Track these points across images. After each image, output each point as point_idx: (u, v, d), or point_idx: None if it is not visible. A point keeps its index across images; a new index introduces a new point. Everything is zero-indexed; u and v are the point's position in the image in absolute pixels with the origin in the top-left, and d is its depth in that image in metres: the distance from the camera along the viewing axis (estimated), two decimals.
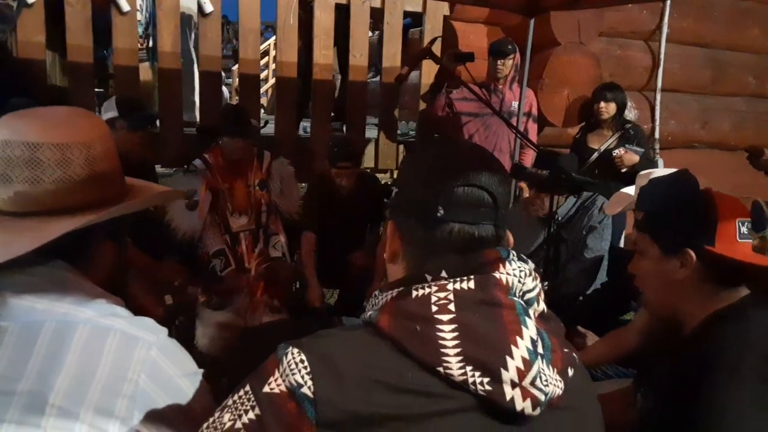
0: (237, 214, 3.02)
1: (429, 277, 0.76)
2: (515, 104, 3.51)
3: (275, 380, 0.70)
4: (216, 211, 2.99)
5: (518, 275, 0.77)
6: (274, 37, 6.02)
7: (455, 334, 0.70)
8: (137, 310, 0.92)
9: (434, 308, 0.72)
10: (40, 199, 0.89)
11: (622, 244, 3.40)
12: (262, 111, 5.68)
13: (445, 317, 0.71)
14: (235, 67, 6.70)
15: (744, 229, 1.14)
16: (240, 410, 0.70)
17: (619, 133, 3.56)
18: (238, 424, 0.69)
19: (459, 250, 0.78)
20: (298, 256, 3.22)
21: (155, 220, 2.82)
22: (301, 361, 0.70)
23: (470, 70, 2.86)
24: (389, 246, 0.85)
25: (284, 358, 0.71)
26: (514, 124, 3.34)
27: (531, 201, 2.63)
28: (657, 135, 4.21)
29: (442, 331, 0.71)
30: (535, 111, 3.73)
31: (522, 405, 0.70)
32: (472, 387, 0.69)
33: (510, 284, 0.76)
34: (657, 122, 4.17)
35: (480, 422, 0.70)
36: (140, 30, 4.03)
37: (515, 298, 0.76)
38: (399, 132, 4.52)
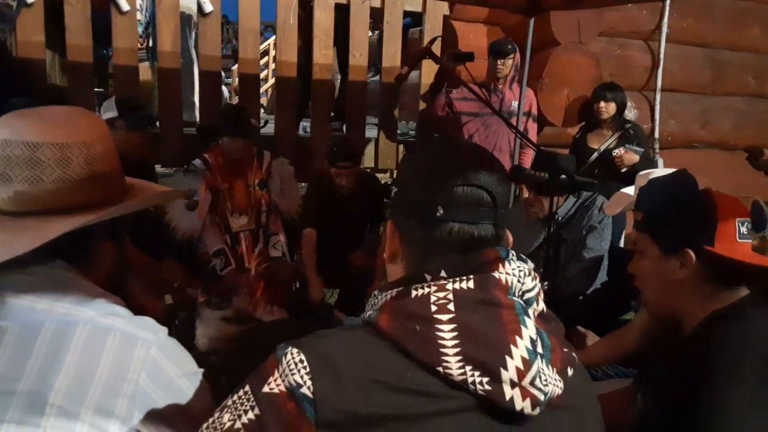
0: (237, 214, 3.02)
1: (428, 277, 0.76)
2: (515, 104, 3.51)
3: (275, 380, 0.70)
4: (216, 211, 2.99)
5: (517, 275, 0.77)
6: (273, 37, 6.03)
7: (455, 333, 0.70)
8: (137, 309, 0.92)
9: (434, 308, 0.72)
10: (40, 199, 0.89)
11: (622, 244, 3.40)
12: (262, 111, 5.68)
13: (444, 317, 0.71)
14: (235, 67, 6.69)
15: (744, 229, 1.14)
16: (239, 410, 0.70)
17: (619, 133, 3.56)
18: (238, 425, 0.69)
19: (458, 249, 0.78)
20: (298, 256, 3.22)
21: (155, 220, 2.82)
22: (301, 361, 0.70)
23: (470, 69, 2.86)
24: (389, 246, 0.85)
25: (284, 358, 0.71)
26: (514, 123, 3.33)
27: (530, 203, 2.63)
28: (657, 135, 4.22)
29: (442, 330, 0.71)
30: (535, 111, 3.73)
31: (521, 405, 0.70)
32: (472, 387, 0.69)
33: (509, 284, 0.76)
34: (657, 122, 4.17)
35: (479, 422, 0.70)
36: (140, 30, 4.03)
37: (515, 298, 0.76)
38: (399, 132, 4.52)
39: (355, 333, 0.75)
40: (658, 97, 4.16)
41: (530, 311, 0.77)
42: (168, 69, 3.75)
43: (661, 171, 2.09)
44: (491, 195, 0.79)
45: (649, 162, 3.56)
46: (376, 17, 4.41)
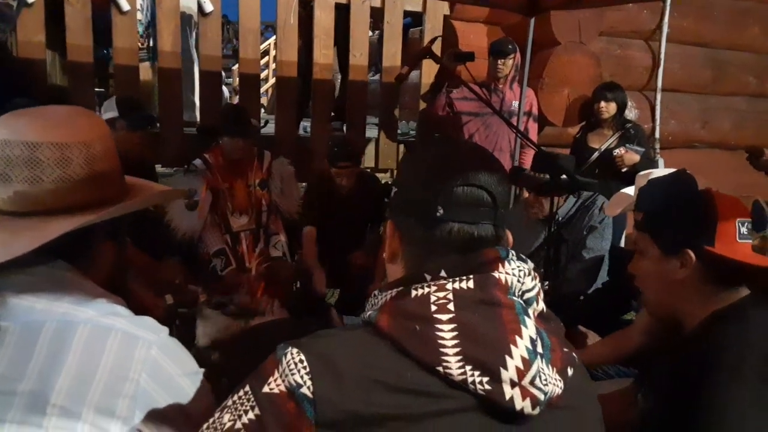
0: (237, 214, 3.03)
1: (428, 277, 0.76)
2: (515, 104, 3.51)
3: (275, 380, 0.70)
4: (216, 211, 2.99)
5: (517, 275, 0.77)
6: (274, 37, 6.01)
7: (454, 333, 0.70)
8: (138, 309, 0.92)
9: (433, 308, 0.72)
10: (40, 199, 0.89)
11: (623, 244, 3.40)
12: (263, 110, 5.68)
13: (444, 317, 0.71)
14: (236, 67, 6.69)
15: (744, 230, 1.14)
16: (240, 410, 0.70)
17: (620, 133, 3.56)
18: (238, 425, 0.69)
19: (458, 249, 0.78)
20: (299, 256, 3.22)
21: (155, 220, 2.82)
22: (301, 361, 0.70)
23: (470, 69, 2.86)
24: (388, 246, 0.85)
25: (283, 358, 0.71)
26: (515, 123, 3.34)
27: (530, 203, 2.63)
28: (657, 135, 4.20)
29: (442, 330, 0.71)
30: (535, 110, 3.73)
31: (521, 404, 0.70)
32: (472, 386, 0.69)
33: (509, 284, 0.76)
34: (657, 122, 4.16)
35: (479, 422, 0.70)
36: (140, 29, 4.04)
37: (514, 298, 0.76)
38: (399, 131, 4.52)
39: (355, 333, 0.75)
40: (658, 96, 4.15)
41: (530, 311, 0.77)
42: (168, 69, 3.75)
43: (661, 171, 2.09)
44: (491, 195, 0.79)
45: (649, 162, 3.55)
46: (377, 17, 4.41)
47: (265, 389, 0.70)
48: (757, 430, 0.99)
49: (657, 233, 1.21)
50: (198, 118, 4.21)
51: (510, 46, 3.46)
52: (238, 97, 5.53)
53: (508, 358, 0.70)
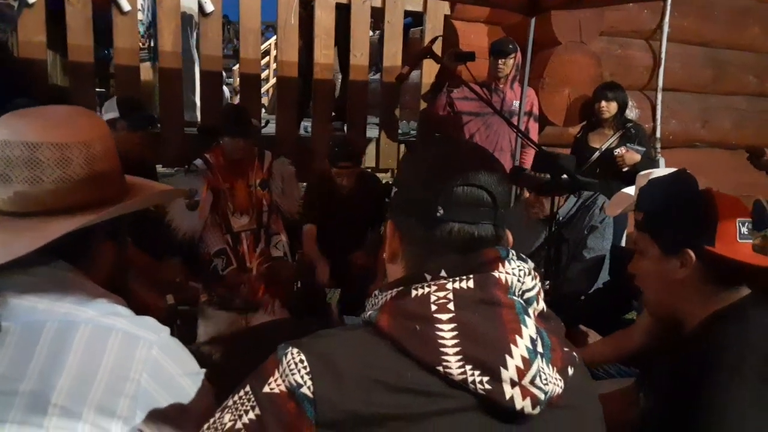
0: (238, 214, 3.03)
1: (428, 277, 0.76)
2: (516, 103, 3.51)
3: (275, 380, 0.70)
4: (217, 211, 2.99)
5: (517, 274, 0.77)
6: (274, 37, 6.01)
7: (454, 333, 0.70)
8: (139, 309, 0.92)
9: (433, 307, 0.72)
10: (40, 199, 0.89)
11: (624, 244, 3.40)
12: (263, 111, 5.69)
13: (444, 316, 0.71)
14: (236, 67, 6.70)
15: (744, 230, 1.14)
16: (240, 410, 0.70)
17: (621, 133, 3.55)
18: (239, 425, 0.69)
19: (458, 249, 0.78)
20: (300, 256, 3.22)
21: (156, 220, 2.82)
22: (301, 361, 0.70)
23: (471, 69, 2.86)
24: (389, 246, 0.85)
25: (284, 358, 0.71)
26: (515, 123, 3.33)
27: (531, 203, 2.63)
28: (658, 134, 4.20)
29: (442, 330, 0.71)
30: (536, 110, 3.73)
31: (522, 404, 0.70)
32: (472, 386, 0.69)
33: (509, 283, 0.76)
34: (658, 121, 4.16)
35: (480, 421, 0.70)
36: (141, 30, 4.04)
37: (515, 297, 0.76)
38: (400, 131, 4.52)
39: (355, 333, 0.76)
40: (659, 96, 4.15)
41: (530, 310, 0.77)
42: (169, 69, 3.76)
43: (662, 170, 2.09)
44: (491, 195, 0.79)
45: (650, 161, 3.55)
46: (377, 17, 4.41)
47: (266, 389, 0.70)
48: (757, 430, 0.99)
49: (657, 233, 1.21)
50: (199, 118, 4.22)
51: (510, 46, 3.46)
52: (238, 97, 5.54)
53: (508, 357, 0.70)
